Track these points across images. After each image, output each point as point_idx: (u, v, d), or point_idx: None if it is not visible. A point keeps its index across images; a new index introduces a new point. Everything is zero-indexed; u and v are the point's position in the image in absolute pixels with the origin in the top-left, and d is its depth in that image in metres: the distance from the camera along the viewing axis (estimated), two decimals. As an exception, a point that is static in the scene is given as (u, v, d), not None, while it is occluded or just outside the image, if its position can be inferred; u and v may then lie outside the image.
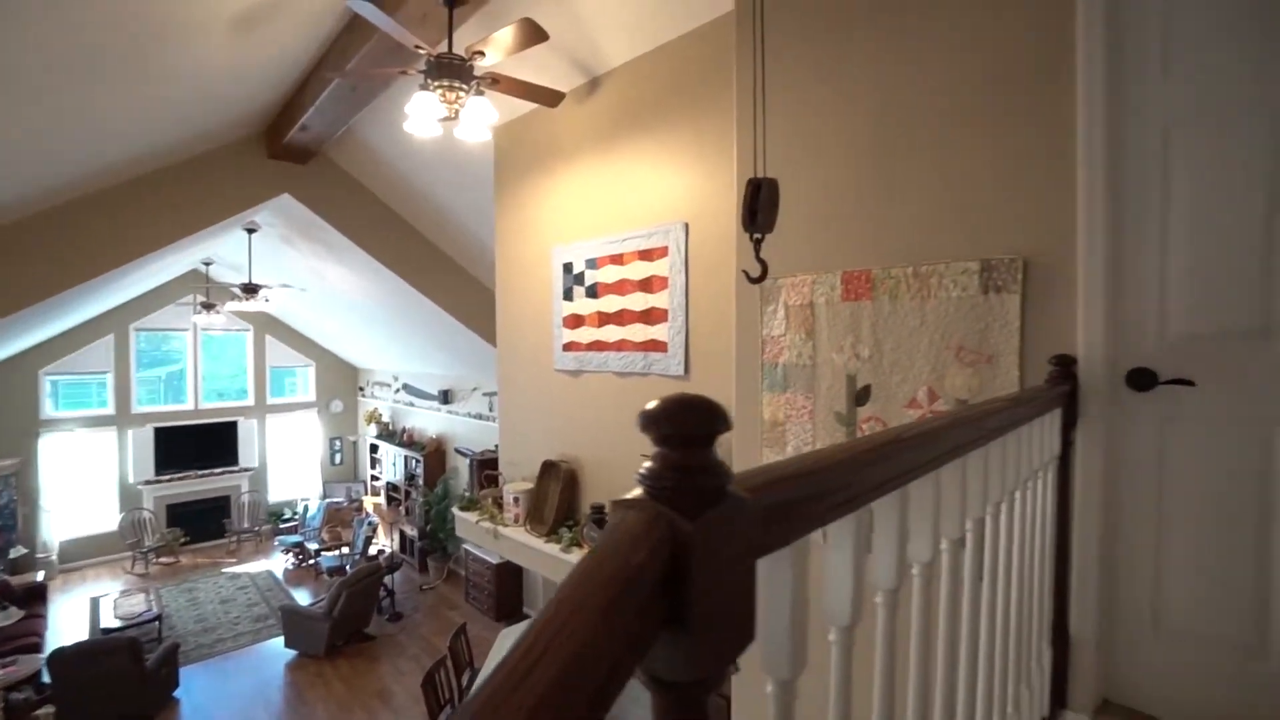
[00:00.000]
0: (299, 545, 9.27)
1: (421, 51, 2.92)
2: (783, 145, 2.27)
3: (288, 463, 11.18)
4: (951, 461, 0.90)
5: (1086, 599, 1.65)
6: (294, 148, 5.25)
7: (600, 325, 3.65)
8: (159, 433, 9.80)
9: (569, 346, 3.88)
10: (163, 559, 9.29)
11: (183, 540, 9.57)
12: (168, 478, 9.85)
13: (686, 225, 3.14)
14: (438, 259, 6.43)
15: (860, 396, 2.06)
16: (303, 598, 8.07)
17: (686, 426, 0.41)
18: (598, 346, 3.67)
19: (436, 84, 2.98)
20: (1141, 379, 1.58)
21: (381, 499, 10.26)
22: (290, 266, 7.73)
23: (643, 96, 3.41)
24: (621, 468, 3.57)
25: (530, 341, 4.26)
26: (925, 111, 1.92)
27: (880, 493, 0.68)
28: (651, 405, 0.42)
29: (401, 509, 9.53)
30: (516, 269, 4.41)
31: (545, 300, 4.10)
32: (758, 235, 1.69)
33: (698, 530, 0.39)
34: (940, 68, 1.90)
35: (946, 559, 0.98)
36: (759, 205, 1.63)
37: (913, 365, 1.93)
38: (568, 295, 3.89)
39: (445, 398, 9.01)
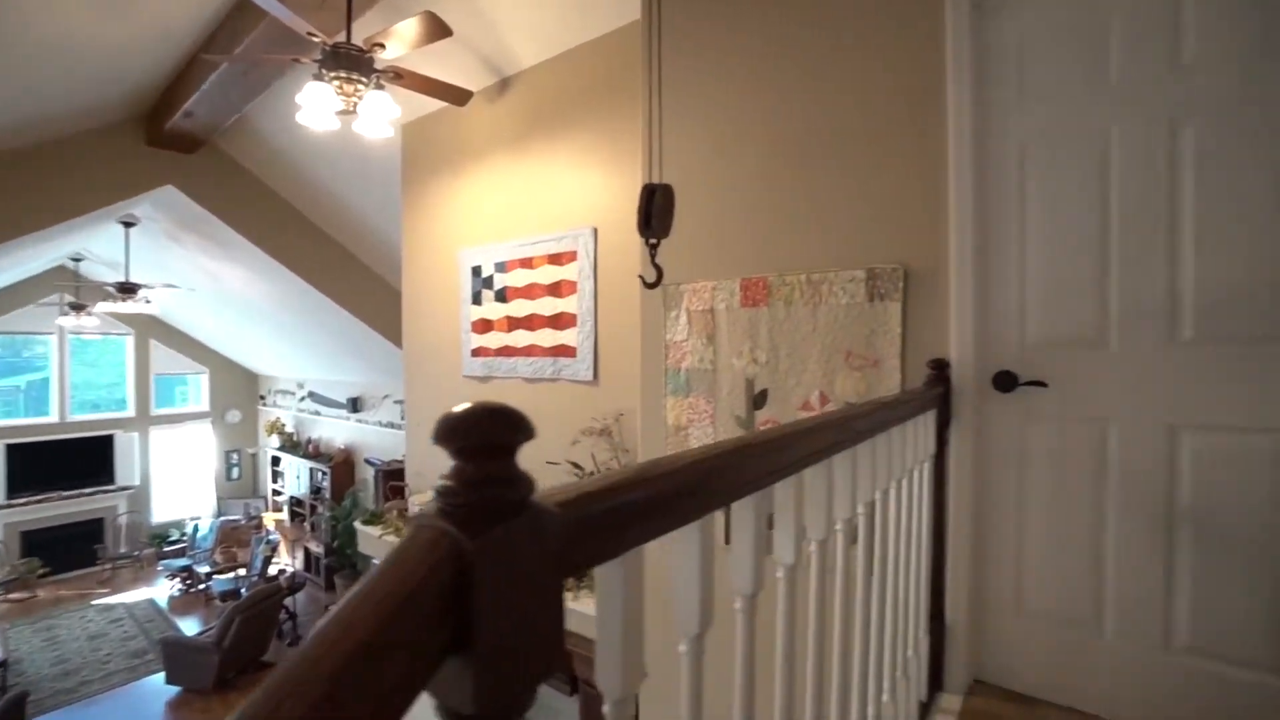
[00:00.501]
0: (187, 569, 8.52)
1: (316, 39, 2.76)
2: (686, 155, 2.30)
3: (176, 479, 10.28)
4: (817, 463, 0.92)
5: (960, 586, 1.76)
6: (178, 135, 4.84)
7: (509, 330, 3.57)
8: (11, 450, 8.70)
9: (478, 352, 3.77)
10: (14, 595, 8.25)
11: (41, 571, 8.54)
12: (22, 501, 8.75)
13: (595, 230, 3.13)
14: (343, 259, 6.11)
15: (758, 400, 2.11)
16: (190, 627, 7.41)
17: (479, 437, 0.39)
18: (507, 352, 3.59)
19: (333, 75, 2.82)
20: (1004, 381, 1.70)
21: (284, 515, 9.61)
22: (177, 265, 7.12)
23: (554, 99, 3.38)
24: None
25: (438, 346, 4.12)
26: (818, 129, 2.00)
27: (729, 498, 0.68)
28: (445, 415, 0.39)
29: (306, 525, 8.96)
30: (424, 271, 4.26)
31: (453, 304, 3.97)
32: (653, 240, 1.69)
33: (483, 548, 0.36)
34: (829, 91, 1.98)
35: (815, 559, 1.01)
36: (653, 210, 1.64)
37: (806, 369, 2.00)
38: (476, 299, 3.78)
39: (354, 406, 8.57)
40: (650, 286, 1.76)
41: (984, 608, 1.78)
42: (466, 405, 0.39)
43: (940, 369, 1.74)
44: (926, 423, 1.64)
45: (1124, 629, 1.59)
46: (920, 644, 1.66)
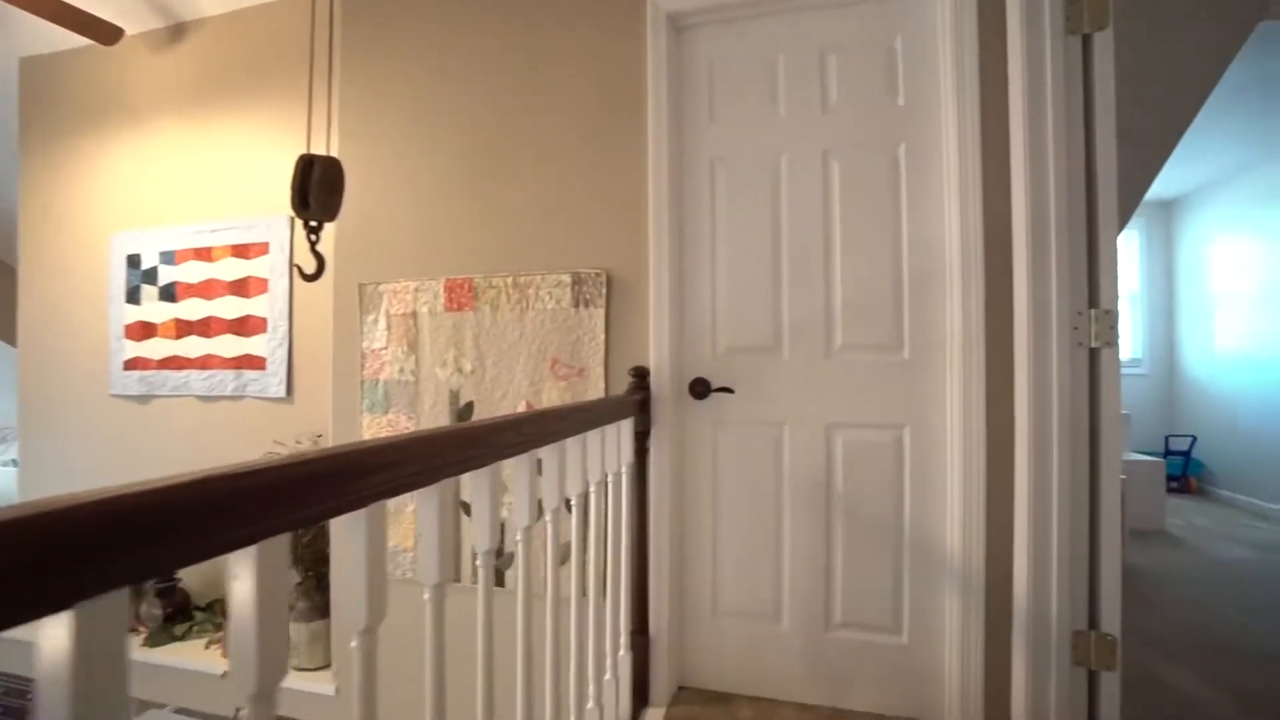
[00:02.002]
0: None
1: None
2: (386, 142, 2.03)
3: None
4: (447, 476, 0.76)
5: (663, 596, 1.75)
6: None
7: (179, 336, 2.85)
8: None
9: (134, 364, 2.95)
10: None
11: None
12: None
13: (292, 219, 2.64)
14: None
15: (463, 413, 1.91)
16: None
17: None
18: (175, 364, 2.86)
19: None
20: (699, 388, 1.75)
21: None
22: None
23: (246, 61, 2.80)
24: (209, 516, 2.81)
25: (73, 357, 3.14)
26: (527, 129, 1.90)
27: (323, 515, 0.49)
28: None
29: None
30: (54, 255, 3.23)
31: (99, 302, 3.06)
32: (314, 223, 1.40)
33: None
34: (538, 93, 1.89)
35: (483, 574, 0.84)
36: (311, 186, 1.35)
37: (513, 379, 1.86)
38: (133, 297, 2.96)
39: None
40: (309, 278, 1.46)
41: (685, 614, 1.80)
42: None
43: (641, 377, 1.73)
44: (625, 430, 1.60)
45: (796, 616, 1.71)
46: (621, 666, 1.60)
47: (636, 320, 1.78)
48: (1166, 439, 5.09)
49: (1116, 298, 1.37)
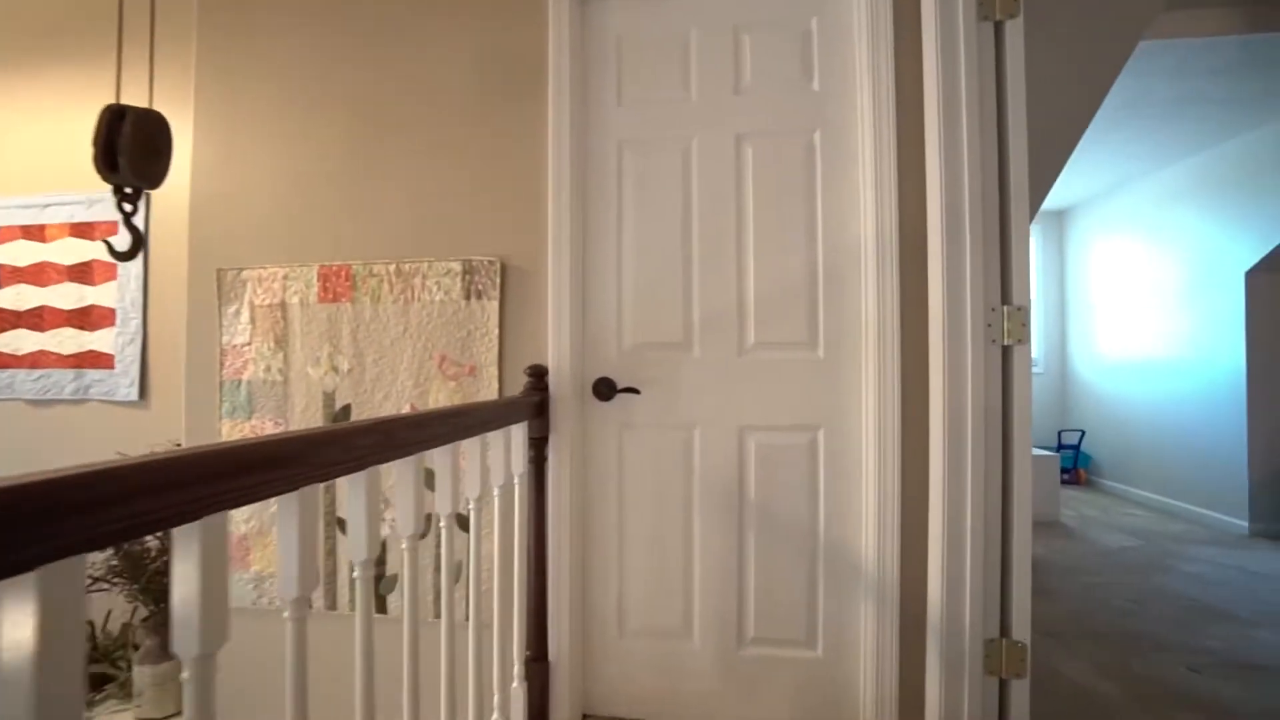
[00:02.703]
0: None
1: None
2: (260, 114, 1.77)
3: None
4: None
5: (563, 617, 1.59)
6: None
7: (2, 330, 2.43)
8: None
9: (-53, 362, 2.49)
10: None
11: None
12: None
13: (148, 194, 2.30)
14: None
15: (340, 417, 1.68)
16: None
17: None
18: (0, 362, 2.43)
19: None
20: (604, 388, 1.61)
21: None
22: None
23: (76, 9, 2.42)
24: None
25: None
26: (413, 101, 1.69)
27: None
28: None
29: None
30: None
31: (-98, 288, 2.57)
32: (128, 190, 1.15)
33: None
34: (427, 61, 1.69)
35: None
36: (120, 145, 1.10)
37: (396, 379, 1.65)
38: (-53, 282, 2.50)
39: None
40: (121, 258, 1.20)
41: (590, 635, 1.65)
42: None
43: (539, 377, 1.56)
44: (518, 436, 1.43)
45: (708, 632, 1.60)
46: (514, 699, 1.43)
47: (535, 314, 1.61)
48: (1059, 434, 5.42)
49: (1029, 294, 1.34)
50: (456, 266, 1.62)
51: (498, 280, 1.60)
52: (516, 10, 1.65)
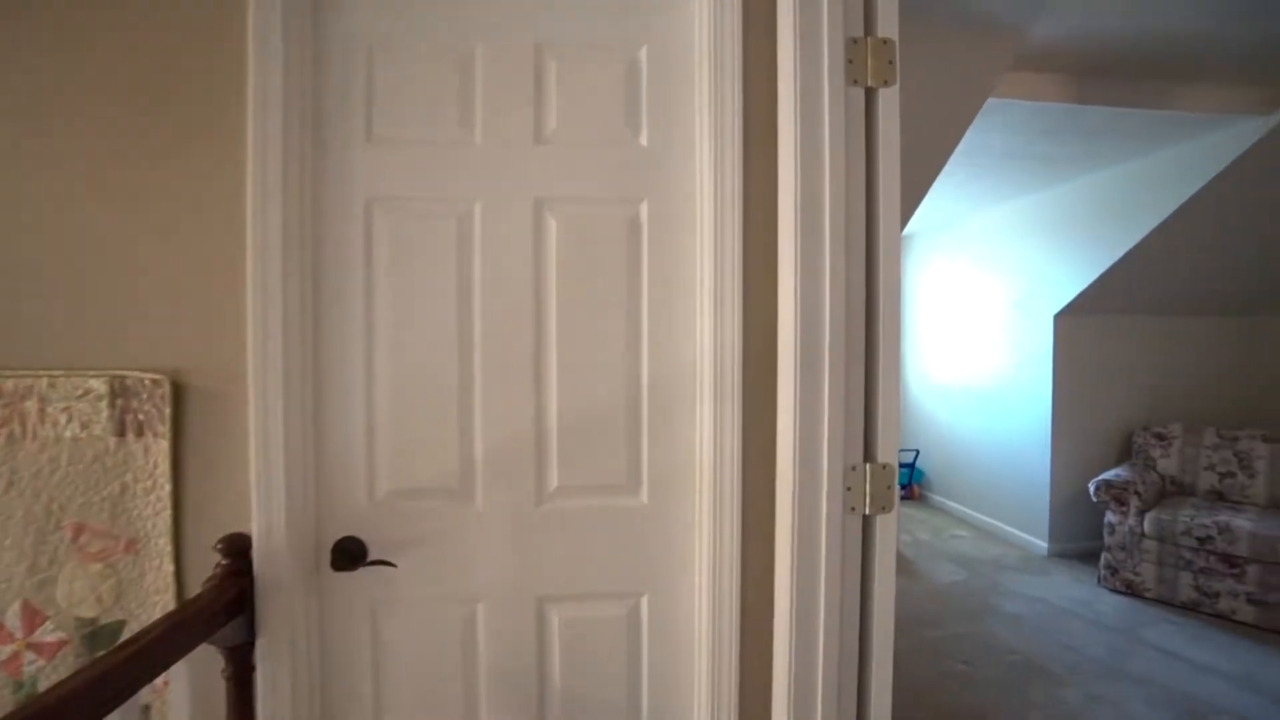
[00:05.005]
0: None
1: None
2: None
3: None
4: None
5: None
6: None
7: None
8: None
9: None
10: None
11: None
12: None
13: None
14: None
15: (-111, 628, 1.04)
16: None
17: None
18: None
19: None
20: (344, 558, 1.12)
21: None
22: None
23: None
24: None
25: None
26: (45, 113, 1.07)
27: None
28: None
29: None
30: None
31: None
32: None
33: None
34: (56, 59, 1.08)
35: None
36: None
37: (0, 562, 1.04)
38: None
39: None
40: None
41: None
42: None
43: (239, 555, 1.05)
44: (180, 683, 0.91)
45: None
46: None
47: (233, 455, 1.09)
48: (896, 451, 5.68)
49: (896, 448, 1.07)
50: (100, 386, 1.04)
51: (169, 408, 1.05)
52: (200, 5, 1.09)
